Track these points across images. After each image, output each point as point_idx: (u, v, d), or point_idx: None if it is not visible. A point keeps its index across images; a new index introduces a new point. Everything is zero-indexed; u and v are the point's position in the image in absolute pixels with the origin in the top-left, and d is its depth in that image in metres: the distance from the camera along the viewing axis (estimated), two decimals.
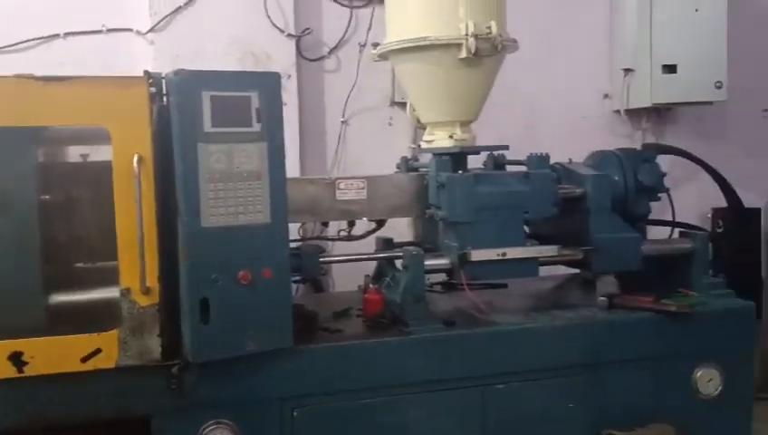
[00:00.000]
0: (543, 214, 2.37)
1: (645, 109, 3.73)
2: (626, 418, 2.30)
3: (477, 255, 2.29)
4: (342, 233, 2.53)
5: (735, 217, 2.68)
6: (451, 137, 2.44)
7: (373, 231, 2.57)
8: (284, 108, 3.18)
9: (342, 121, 3.44)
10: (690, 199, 3.56)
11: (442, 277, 2.51)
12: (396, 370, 2.13)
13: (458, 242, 2.31)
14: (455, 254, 2.31)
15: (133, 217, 1.84)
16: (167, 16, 3.12)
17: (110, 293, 1.92)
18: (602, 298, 2.40)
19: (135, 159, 1.83)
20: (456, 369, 2.19)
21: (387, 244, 2.61)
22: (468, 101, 2.44)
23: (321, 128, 3.45)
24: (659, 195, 2.55)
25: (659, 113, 3.84)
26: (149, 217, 1.86)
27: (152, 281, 1.88)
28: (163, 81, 1.93)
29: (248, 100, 1.90)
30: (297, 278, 2.33)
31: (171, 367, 1.92)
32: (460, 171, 2.34)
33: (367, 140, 3.46)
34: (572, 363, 2.29)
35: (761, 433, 2.59)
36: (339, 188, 2.36)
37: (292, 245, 2.34)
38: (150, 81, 1.90)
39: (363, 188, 2.38)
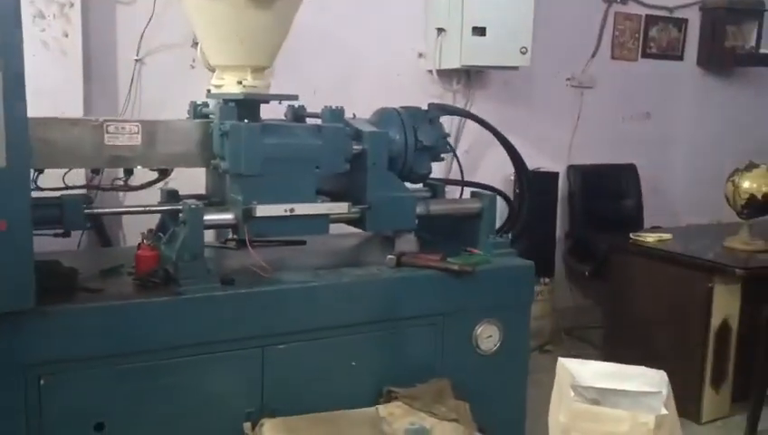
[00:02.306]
0: (335, 169, 2.30)
1: (456, 70, 3.77)
2: (408, 374, 2.31)
3: (263, 210, 2.17)
4: (117, 182, 2.30)
5: (526, 180, 2.78)
6: (240, 83, 2.27)
7: (155, 182, 2.35)
8: (66, 40, 2.91)
9: (137, 60, 3.13)
10: (495, 162, 3.67)
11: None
12: (163, 332, 1.97)
13: (243, 196, 2.17)
14: (239, 208, 2.18)
15: None
16: None
17: None
18: (390, 256, 2.38)
19: None
20: (232, 330, 2.07)
21: (171, 196, 2.41)
22: (259, 45, 2.27)
23: (112, 66, 3.11)
24: (442, 155, 2.56)
25: (470, 75, 3.90)
26: None
27: None
28: None
29: None
30: (59, 231, 2.08)
31: None
32: (246, 120, 2.19)
33: (165, 82, 3.18)
34: (356, 321, 2.25)
35: (544, 383, 2.73)
36: (107, 132, 2.11)
37: (56, 193, 2.10)
38: None
39: (137, 133, 2.15)
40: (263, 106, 2.44)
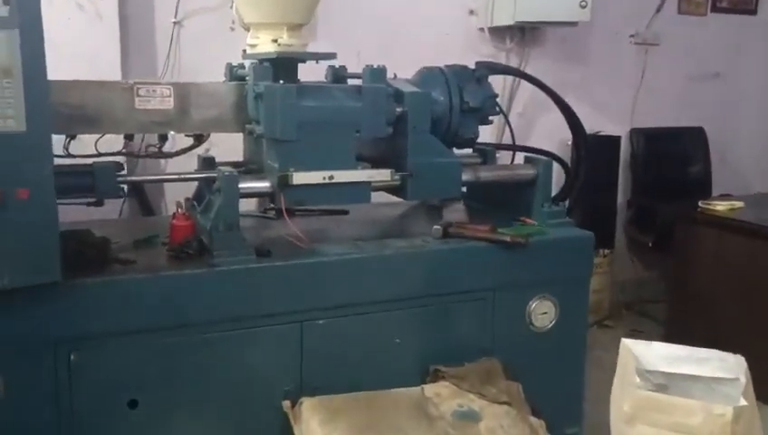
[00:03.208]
0: (376, 133, 2.13)
1: (509, 27, 3.53)
2: (456, 353, 2.16)
3: (300, 177, 2.04)
4: (151, 149, 2.20)
5: (583, 144, 2.55)
6: (275, 41, 2.13)
7: (190, 148, 2.25)
8: (101, 2, 2.81)
9: (175, 22, 3.01)
10: (551, 125, 3.44)
11: None
12: (196, 306, 1.87)
13: (279, 162, 2.04)
14: (275, 176, 2.05)
15: None
16: None
17: None
18: (437, 227, 2.22)
19: None
20: (268, 303, 1.96)
21: (207, 163, 2.30)
22: (294, 0, 2.12)
23: (150, 29, 3.01)
24: (491, 118, 2.37)
25: (524, 33, 3.66)
26: None
27: None
28: None
29: None
30: (91, 200, 2.00)
31: None
32: (281, 81, 2.05)
33: (204, 45, 3.06)
34: (400, 296, 2.11)
35: (602, 360, 2.56)
36: (138, 95, 2.00)
37: (88, 161, 2.02)
38: None
39: (169, 97, 2.03)
40: (302, 68, 2.30)
